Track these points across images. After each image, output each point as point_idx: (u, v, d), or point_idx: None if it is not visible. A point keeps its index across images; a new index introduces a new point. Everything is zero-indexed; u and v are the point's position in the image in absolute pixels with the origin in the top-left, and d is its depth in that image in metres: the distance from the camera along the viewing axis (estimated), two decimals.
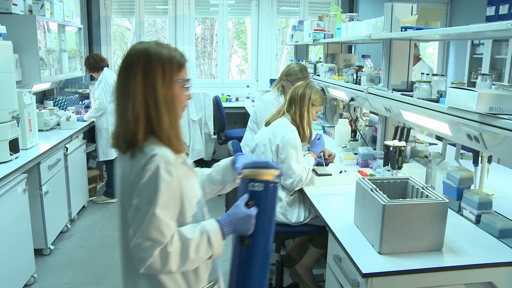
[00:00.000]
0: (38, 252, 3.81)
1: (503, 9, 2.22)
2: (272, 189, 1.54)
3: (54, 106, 5.24)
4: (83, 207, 5.05)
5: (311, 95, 2.92)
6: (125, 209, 1.42)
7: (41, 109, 4.68)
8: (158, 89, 1.40)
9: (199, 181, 1.70)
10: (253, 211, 1.49)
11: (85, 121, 5.11)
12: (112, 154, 5.24)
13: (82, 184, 5.01)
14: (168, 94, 1.42)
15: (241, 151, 2.81)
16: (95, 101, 5.09)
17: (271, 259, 1.62)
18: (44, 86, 5.28)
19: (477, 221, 2.20)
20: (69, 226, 4.50)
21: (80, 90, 6.10)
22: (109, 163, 5.31)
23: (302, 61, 5.30)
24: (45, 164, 3.81)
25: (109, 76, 5.13)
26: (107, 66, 5.23)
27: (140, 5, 6.87)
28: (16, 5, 4.14)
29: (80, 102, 5.48)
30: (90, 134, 5.56)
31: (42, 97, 5.50)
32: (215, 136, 6.33)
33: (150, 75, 1.40)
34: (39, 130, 4.08)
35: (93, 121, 5.20)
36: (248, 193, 1.53)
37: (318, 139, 3.00)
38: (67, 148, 4.40)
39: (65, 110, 5.30)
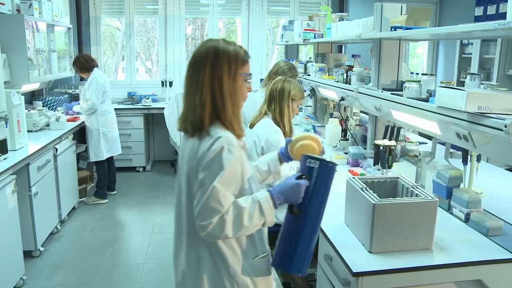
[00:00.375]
0: (28, 254, 3.78)
1: (491, 10, 2.23)
2: (327, 168, 1.67)
3: (43, 106, 5.21)
4: (73, 208, 5.01)
5: (290, 90, 2.88)
6: (192, 184, 1.61)
7: (30, 110, 4.65)
8: (224, 81, 1.61)
9: None
10: (303, 182, 1.63)
11: (72, 110, 5.11)
12: (103, 155, 5.22)
13: (72, 185, 4.98)
14: (232, 85, 1.62)
15: None
16: (87, 102, 5.04)
17: (318, 234, 1.71)
18: (33, 86, 5.25)
19: (467, 220, 2.21)
20: (59, 228, 4.47)
21: (70, 91, 6.07)
22: (100, 164, 5.28)
23: (293, 60, 5.30)
24: (34, 165, 3.78)
25: (99, 77, 5.10)
26: (97, 66, 5.20)
27: (130, 5, 6.84)
28: (3, 4, 4.10)
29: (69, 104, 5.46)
30: (80, 134, 5.53)
31: (31, 98, 5.47)
32: None
33: (217, 69, 1.60)
34: (28, 131, 4.06)
35: (84, 122, 5.18)
36: (305, 169, 1.69)
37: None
38: (56, 149, 4.37)
39: (54, 111, 5.26)
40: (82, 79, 5.72)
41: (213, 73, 1.60)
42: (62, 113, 5.21)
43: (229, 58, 1.61)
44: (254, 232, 1.70)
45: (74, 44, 6.35)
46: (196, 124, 1.62)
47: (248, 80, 1.69)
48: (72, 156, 4.98)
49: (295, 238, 1.67)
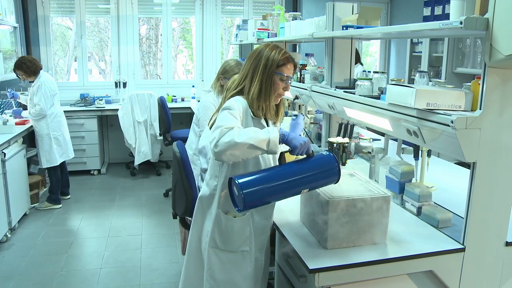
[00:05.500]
0: None
1: (438, 10, 2.31)
2: (330, 162, 1.93)
3: None
4: (25, 214, 4.83)
5: None
6: None
7: None
8: (259, 74, 2.08)
9: None
10: (310, 145, 1.92)
11: (21, 115, 4.92)
12: (57, 160, 5.05)
13: (23, 191, 4.80)
14: (265, 79, 2.08)
15: (186, 153, 2.76)
16: (35, 106, 4.85)
17: (281, 196, 1.94)
18: None
19: (418, 213, 2.28)
20: (9, 236, 4.30)
21: (18, 93, 5.83)
22: (52, 169, 5.10)
23: (244, 59, 5.30)
24: None
25: (47, 80, 4.91)
26: (41, 68, 5.00)
27: (81, 4, 6.66)
28: None
29: (12, 99, 5.24)
30: (30, 138, 5.33)
31: None
32: (161, 137, 6.24)
33: (256, 64, 2.10)
34: None
35: (32, 126, 4.99)
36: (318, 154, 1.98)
37: (294, 119, 2.58)
38: (4, 154, 4.20)
39: (1, 114, 5.06)
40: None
41: (251, 67, 2.11)
42: (10, 116, 5.00)
43: (267, 60, 2.07)
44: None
45: (22, 44, 6.11)
46: (227, 91, 2.19)
47: (283, 80, 2.09)
48: (22, 160, 4.80)
49: (267, 178, 1.88)
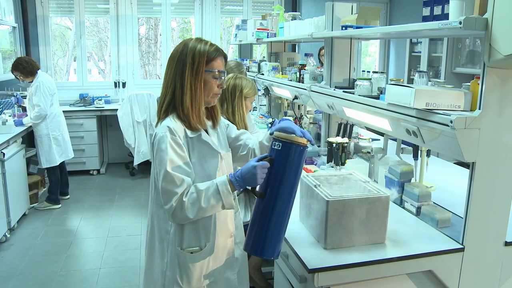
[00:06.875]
0: None
1: (437, 10, 2.31)
2: (291, 149, 1.63)
3: None
4: (24, 214, 4.83)
5: (243, 87, 2.78)
6: (154, 166, 1.75)
7: None
8: (186, 75, 1.71)
9: (254, 146, 1.98)
10: (260, 163, 1.63)
11: (23, 124, 4.90)
12: (56, 160, 5.05)
13: (22, 191, 4.79)
14: (194, 81, 1.72)
15: None
16: (35, 108, 4.84)
17: (288, 218, 1.72)
18: None
19: (418, 213, 2.27)
20: (8, 236, 4.29)
21: (18, 92, 5.83)
22: (51, 169, 5.10)
23: (247, 60, 5.30)
24: None
25: (45, 80, 4.90)
26: (39, 68, 5.00)
27: (80, 4, 6.66)
28: None
29: (16, 105, 5.22)
30: (29, 138, 5.33)
31: None
32: None
33: (181, 64, 1.72)
34: None
35: (31, 126, 4.98)
36: (270, 151, 1.68)
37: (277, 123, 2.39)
38: (3, 154, 4.19)
39: (0, 114, 5.05)
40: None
41: (177, 68, 1.72)
42: (10, 116, 4.99)
43: (193, 55, 1.71)
44: (198, 223, 1.79)
45: (21, 44, 6.11)
46: (157, 113, 1.80)
47: (216, 77, 1.76)
48: (22, 160, 4.79)
49: (265, 222, 1.66)
